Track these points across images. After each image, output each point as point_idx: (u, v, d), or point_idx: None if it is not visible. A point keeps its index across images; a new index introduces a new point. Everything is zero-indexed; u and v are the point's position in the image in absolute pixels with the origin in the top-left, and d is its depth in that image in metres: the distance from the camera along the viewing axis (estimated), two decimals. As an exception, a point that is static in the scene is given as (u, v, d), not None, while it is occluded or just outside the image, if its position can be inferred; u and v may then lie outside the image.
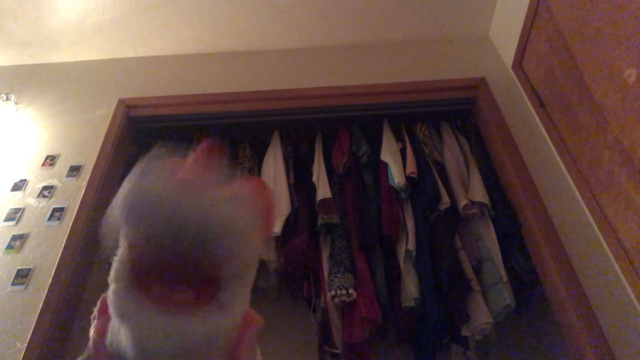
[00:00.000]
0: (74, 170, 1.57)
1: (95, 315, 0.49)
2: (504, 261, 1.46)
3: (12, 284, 1.29)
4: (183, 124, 1.83)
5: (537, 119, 1.59)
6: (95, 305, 0.49)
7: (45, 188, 1.52)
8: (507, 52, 1.79)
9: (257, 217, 0.51)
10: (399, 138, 1.78)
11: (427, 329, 1.43)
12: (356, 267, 1.51)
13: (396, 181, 1.56)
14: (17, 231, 1.41)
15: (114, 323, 0.44)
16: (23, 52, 1.93)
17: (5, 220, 1.44)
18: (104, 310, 0.47)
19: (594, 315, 1.17)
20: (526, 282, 1.50)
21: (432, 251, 1.50)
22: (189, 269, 0.45)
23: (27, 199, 1.50)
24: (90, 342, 0.48)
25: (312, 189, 1.68)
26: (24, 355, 1.16)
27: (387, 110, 1.82)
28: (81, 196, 1.48)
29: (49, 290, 1.27)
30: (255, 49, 1.98)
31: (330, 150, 1.82)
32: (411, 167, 1.60)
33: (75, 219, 1.43)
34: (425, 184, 1.57)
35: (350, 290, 1.43)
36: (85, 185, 1.51)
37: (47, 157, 1.61)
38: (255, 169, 1.84)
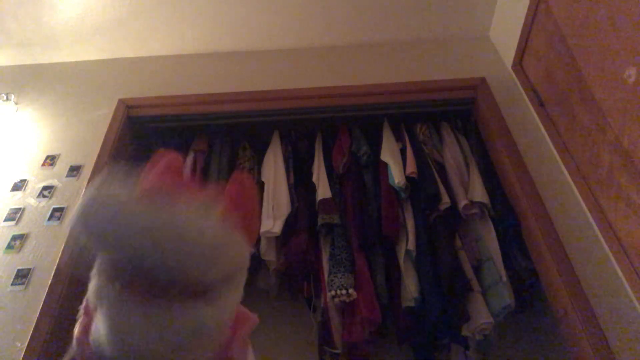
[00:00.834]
0: (74, 170, 1.57)
1: (81, 314, 0.48)
2: (504, 261, 1.46)
3: (12, 284, 1.29)
4: (183, 124, 1.83)
5: (537, 119, 1.59)
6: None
7: (45, 188, 1.52)
8: (507, 52, 1.79)
9: (233, 222, 0.50)
10: (399, 138, 1.78)
11: (427, 329, 1.43)
12: (356, 267, 1.51)
13: (396, 181, 1.56)
14: (17, 231, 1.41)
15: (97, 320, 0.43)
16: (23, 52, 1.93)
17: (5, 220, 1.44)
18: (89, 309, 0.46)
19: (594, 315, 1.17)
20: (526, 282, 1.50)
21: (432, 251, 1.50)
22: (164, 285, 0.43)
23: (27, 199, 1.50)
24: (74, 340, 0.47)
25: (312, 189, 1.68)
26: (24, 355, 1.16)
27: (387, 110, 1.82)
28: (81, 196, 1.48)
29: (49, 290, 1.27)
30: (255, 49, 1.98)
31: (330, 150, 1.82)
32: (411, 167, 1.60)
33: (75, 219, 1.42)
34: (425, 184, 1.57)
35: (350, 290, 1.43)
36: (85, 185, 1.51)
37: (47, 157, 1.61)
38: (255, 169, 1.85)
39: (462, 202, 1.55)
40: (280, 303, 1.85)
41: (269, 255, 1.58)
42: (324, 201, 1.60)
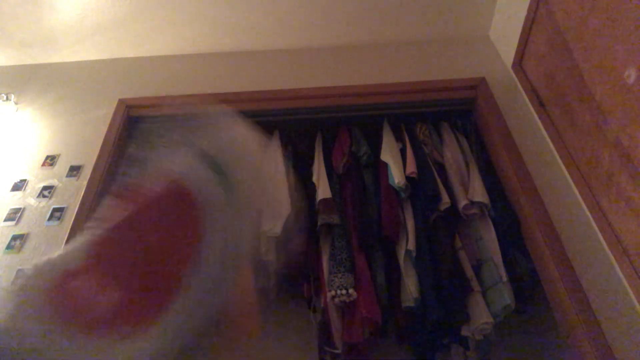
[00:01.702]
0: (74, 170, 1.57)
1: None
2: (504, 261, 1.46)
3: (12, 284, 1.29)
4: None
5: (537, 119, 1.59)
6: None
7: (45, 188, 1.52)
8: (507, 52, 1.79)
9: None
10: (399, 138, 1.78)
11: (427, 329, 1.43)
12: (356, 267, 1.51)
13: (396, 181, 1.56)
14: (17, 231, 1.41)
15: None
16: (23, 52, 1.93)
17: (5, 220, 1.44)
18: None
19: (594, 315, 1.17)
20: (526, 282, 1.50)
21: (432, 251, 1.50)
22: None
23: (27, 199, 1.50)
24: None
25: (312, 189, 1.68)
26: (24, 355, 1.16)
27: (387, 110, 1.82)
28: (81, 196, 1.48)
29: (49, 290, 1.27)
30: (255, 49, 1.98)
31: (330, 150, 1.82)
32: (411, 167, 1.60)
33: (75, 219, 1.43)
34: (425, 184, 1.57)
35: (350, 290, 1.42)
36: (85, 185, 1.51)
37: (47, 157, 1.61)
38: (255, 169, 1.84)
39: (462, 202, 1.55)
40: (280, 303, 1.85)
41: (269, 255, 1.58)
42: (324, 201, 1.60)
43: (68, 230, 1.40)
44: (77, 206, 1.46)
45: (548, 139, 1.52)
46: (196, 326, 0.50)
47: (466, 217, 1.57)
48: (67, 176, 1.56)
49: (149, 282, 0.47)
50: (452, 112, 1.87)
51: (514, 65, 1.74)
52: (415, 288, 1.44)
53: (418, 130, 1.80)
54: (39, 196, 1.50)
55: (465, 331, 1.42)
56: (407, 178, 1.58)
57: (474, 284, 1.44)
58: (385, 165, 1.66)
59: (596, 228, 1.29)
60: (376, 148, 1.75)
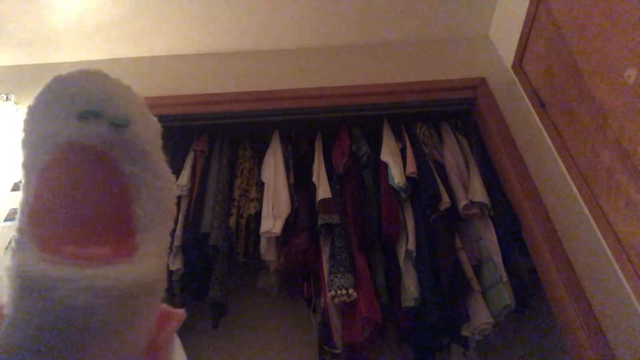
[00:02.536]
0: (74, 170, 1.57)
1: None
2: (504, 261, 1.46)
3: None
4: (183, 124, 1.83)
5: (537, 119, 1.59)
6: None
7: (45, 188, 1.52)
8: (507, 52, 1.79)
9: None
10: (399, 138, 1.78)
11: (427, 329, 1.43)
12: (356, 267, 1.51)
13: (396, 181, 1.56)
14: (17, 231, 1.41)
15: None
16: (23, 52, 1.93)
17: (5, 220, 1.44)
18: None
19: (594, 315, 1.17)
20: (526, 282, 1.50)
21: (432, 251, 1.50)
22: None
23: (27, 199, 1.50)
24: None
25: (312, 189, 1.68)
26: (24, 355, 1.16)
27: (387, 110, 1.82)
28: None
29: (49, 290, 1.27)
30: (255, 49, 1.98)
31: (330, 150, 1.82)
32: (411, 167, 1.60)
33: (75, 219, 1.42)
34: (425, 184, 1.57)
35: (350, 290, 1.43)
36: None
37: (47, 157, 1.61)
38: (255, 169, 1.85)
39: (462, 202, 1.55)
40: (280, 303, 1.85)
41: (269, 255, 1.58)
42: (324, 201, 1.60)
43: (68, 230, 1.40)
44: (77, 206, 1.46)
45: (548, 139, 1.52)
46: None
47: (466, 217, 1.58)
48: (67, 176, 1.55)
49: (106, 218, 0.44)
50: (452, 112, 1.87)
51: (514, 65, 1.74)
52: (415, 288, 1.44)
53: (418, 130, 1.80)
54: (39, 196, 1.50)
55: (465, 331, 1.42)
56: (407, 178, 1.58)
57: (474, 284, 1.44)
58: (385, 165, 1.66)
59: (596, 228, 1.29)
60: (376, 148, 1.75)
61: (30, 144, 0.45)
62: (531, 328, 1.76)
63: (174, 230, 1.60)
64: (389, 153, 1.67)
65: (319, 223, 1.55)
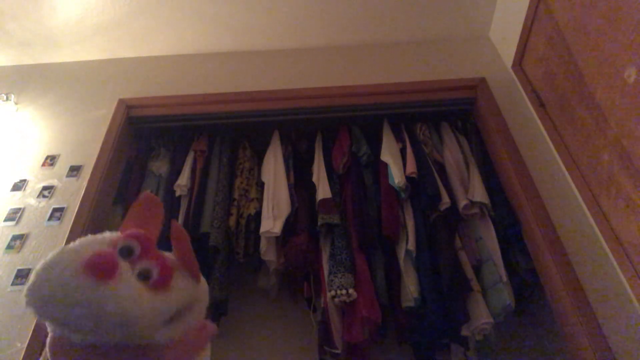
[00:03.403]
0: (74, 170, 1.57)
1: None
2: (504, 261, 1.46)
3: (12, 284, 1.29)
4: (183, 124, 1.83)
5: (537, 119, 1.59)
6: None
7: (45, 188, 1.52)
8: (507, 52, 1.79)
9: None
10: (399, 138, 1.78)
11: (427, 329, 1.43)
12: (356, 267, 1.51)
13: (396, 181, 1.56)
14: (17, 231, 1.41)
15: None
16: (23, 52, 1.93)
17: (5, 220, 1.44)
18: None
19: (594, 315, 1.17)
20: (526, 282, 1.50)
21: (432, 251, 1.50)
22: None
23: (27, 199, 1.50)
24: None
25: (312, 189, 1.68)
26: (24, 355, 1.16)
27: (387, 110, 1.82)
28: (81, 196, 1.48)
29: (49, 290, 1.27)
30: (255, 49, 1.98)
31: (330, 150, 1.82)
32: (411, 167, 1.60)
33: (75, 219, 1.43)
34: (425, 184, 1.57)
35: (350, 290, 1.43)
36: (85, 185, 1.51)
37: (47, 157, 1.61)
38: (256, 169, 1.85)
39: (462, 202, 1.55)
40: (280, 303, 1.86)
41: (269, 255, 1.58)
42: (324, 201, 1.60)
43: (68, 230, 1.40)
44: (77, 206, 1.46)
45: (548, 139, 1.52)
46: None
47: (466, 217, 1.58)
48: (67, 176, 1.56)
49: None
50: (452, 112, 1.87)
51: (514, 65, 1.74)
52: (415, 288, 1.44)
53: (418, 130, 1.80)
54: (39, 196, 1.50)
55: (465, 331, 1.42)
56: (407, 178, 1.58)
57: (474, 284, 1.44)
58: (385, 165, 1.66)
59: (596, 228, 1.29)
60: (376, 148, 1.75)
61: None
62: (531, 328, 1.76)
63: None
64: (389, 153, 1.67)
65: (319, 223, 1.55)
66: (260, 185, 1.74)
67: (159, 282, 0.52)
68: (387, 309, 1.49)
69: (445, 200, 1.54)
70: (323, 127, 1.92)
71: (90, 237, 0.53)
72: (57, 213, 1.45)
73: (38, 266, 0.47)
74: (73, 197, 1.50)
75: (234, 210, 1.66)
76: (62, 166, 1.59)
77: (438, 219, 1.55)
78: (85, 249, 0.49)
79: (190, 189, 1.71)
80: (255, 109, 1.77)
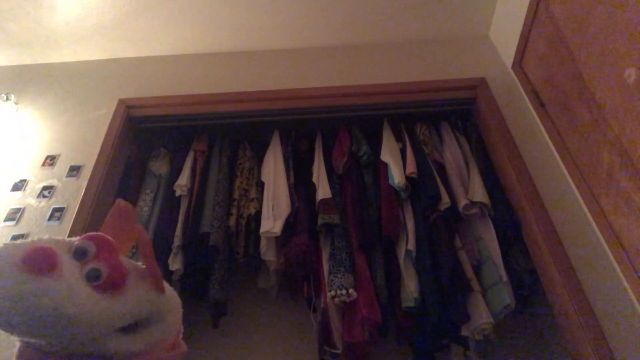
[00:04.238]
0: (74, 170, 1.57)
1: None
2: (504, 261, 1.46)
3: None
4: (183, 124, 1.83)
5: (537, 119, 1.59)
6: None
7: (45, 188, 1.52)
8: (507, 52, 1.79)
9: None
10: (399, 138, 1.78)
11: (427, 329, 1.43)
12: (356, 267, 1.51)
13: (396, 181, 1.56)
14: (17, 231, 1.41)
15: None
16: (23, 52, 1.93)
17: (5, 220, 1.44)
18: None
19: (594, 315, 1.17)
20: (526, 282, 1.50)
21: (432, 251, 1.50)
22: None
23: (27, 199, 1.50)
24: None
25: (312, 189, 1.68)
26: (24, 355, 1.16)
27: (387, 110, 1.82)
28: (81, 196, 1.48)
29: (49, 290, 1.27)
30: (255, 49, 1.98)
31: (330, 150, 1.82)
32: (411, 167, 1.60)
33: (75, 219, 1.43)
34: (425, 184, 1.57)
35: (350, 290, 1.43)
36: (85, 185, 1.51)
37: (47, 157, 1.61)
38: (255, 169, 1.85)
39: (462, 202, 1.55)
40: (280, 303, 1.86)
41: (269, 255, 1.58)
42: (324, 201, 1.60)
43: (68, 230, 1.40)
44: (77, 206, 1.46)
45: (548, 139, 1.52)
46: None
47: (466, 217, 1.58)
48: (67, 176, 1.56)
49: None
50: (452, 112, 1.87)
51: (514, 65, 1.74)
52: (415, 288, 1.44)
53: (418, 130, 1.80)
54: (39, 196, 1.50)
55: (465, 331, 1.42)
56: (407, 178, 1.58)
57: (474, 284, 1.44)
58: (385, 165, 1.66)
59: (596, 228, 1.29)
60: (376, 148, 1.75)
61: None
62: (531, 328, 1.77)
63: (174, 230, 1.60)
64: (389, 153, 1.67)
65: (319, 223, 1.55)
66: (260, 185, 1.74)
67: (107, 283, 0.50)
68: (387, 309, 1.49)
69: (445, 200, 1.54)
70: (323, 127, 1.92)
71: (47, 237, 0.52)
72: (57, 213, 1.45)
73: None
74: (73, 197, 1.50)
75: (234, 210, 1.66)
76: (62, 166, 1.59)
77: (438, 219, 1.55)
78: (29, 244, 0.47)
79: (190, 189, 1.71)
80: (255, 109, 1.77)
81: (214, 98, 1.78)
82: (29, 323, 0.44)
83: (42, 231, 1.41)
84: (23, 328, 0.45)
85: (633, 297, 1.15)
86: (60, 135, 1.69)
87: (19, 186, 1.53)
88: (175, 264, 1.52)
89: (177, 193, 1.69)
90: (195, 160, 1.80)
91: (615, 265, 1.21)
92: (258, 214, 1.64)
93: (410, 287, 1.44)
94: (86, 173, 1.56)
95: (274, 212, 1.60)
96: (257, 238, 1.60)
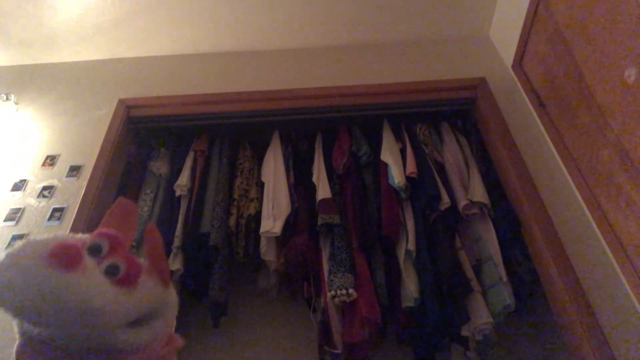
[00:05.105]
0: (74, 170, 1.57)
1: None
2: (504, 261, 1.46)
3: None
4: (183, 124, 1.83)
5: (537, 119, 1.59)
6: None
7: (45, 188, 1.52)
8: (507, 52, 1.79)
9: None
10: (399, 138, 1.78)
11: (427, 329, 1.43)
12: (356, 267, 1.51)
13: (396, 181, 1.56)
14: (17, 231, 1.41)
15: None
16: (23, 52, 1.93)
17: (5, 221, 1.44)
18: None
19: (594, 315, 1.17)
20: (526, 282, 1.50)
21: (432, 251, 1.50)
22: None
23: (27, 199, 1.50)
24: None
25: (312, 189, 1.68)
26: (24, 355, 1.16)
27: (387, 110, 1.82)
28: (81, 196, 1.48)
29: (49, 290, 1.27)
30: (255, 49, 1.98)
31: (330, 150, 1.82)
32: (411, 167, 1.60)
33: (75, 219, 1.43)
34: (425, 184, 1.57)
35: (350, 290, 1.42)
36: (85, 185, 1.51)
37: (47, 157, 1.61)
38: (255, 169, 1.85)
39: (462, 202, 1.55)
40: (280, 303, 1.85)
41: (269, 255, 1.58)
42: (324, 201, 1.60)
43: (68, 230, 1.40)
44: (77, 206, 1.46)
45: (548, 139, 1.52)
46: None
47: (466, 217, 1.58)
48: (67, 176, 1.56)
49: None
50: (452, 112, 1.87)
51: (514, 65, 1.74)
52: (415, 288, 1.44)
53: (418, 130, 1.80)
54: (39, 196, 1.50)
55: (465, 331, 1.42)
56: (407, 178, 1.58)
57: (474, 284, 1.44)
58: (385, 165, 1.66)
59: (596, 228, 1.29)
60: (376, 148, 1.75)
61: None
62: (531, 328, 1.76)
63: (174, 230, 1.60)
64: (389, 153, 1.67)
65: (319, 223, 1.55)
66: (260, 185, 1.74)
67: (125, 278, 0.51)
68: (387, 309, 1.49)
69: (445, 200, 1.54)
70: (323, 127, 1.92)
71: (60, 234, 0.53)
72: (57, 213, 1.45)
73: (3, 254, 0.46)
74: (73, 197, 1.50)
75: (234, 210, 1.66)
76: (62, 166, 1.59)
77: (438, 219, 1.55)
78: (52, 240, 0.48)
79: (190, 189, 1.71)
80: (255, 109, 1.77)
81: (214, 98, 1.78)
82: (58, 316, 0.45)
83: (42, 231, 1.41)
84: (51, 321, 0.46)
85: (633, 296, 1.15)
86: (60, 135, 1.69)
87: (19, 186, 1.53)
88: (175, 264, 1.52)
89: (177, 193, 1.69)
90: (195, 160, 1.80)
91: (615, 265, 1.21)
92: (258, 214, 1.64)
93: (410, 287, 1.44)
94: (86, 173, 1.56)
95: (274, 212, 1.60)
96: (257, 238, 1.60)
